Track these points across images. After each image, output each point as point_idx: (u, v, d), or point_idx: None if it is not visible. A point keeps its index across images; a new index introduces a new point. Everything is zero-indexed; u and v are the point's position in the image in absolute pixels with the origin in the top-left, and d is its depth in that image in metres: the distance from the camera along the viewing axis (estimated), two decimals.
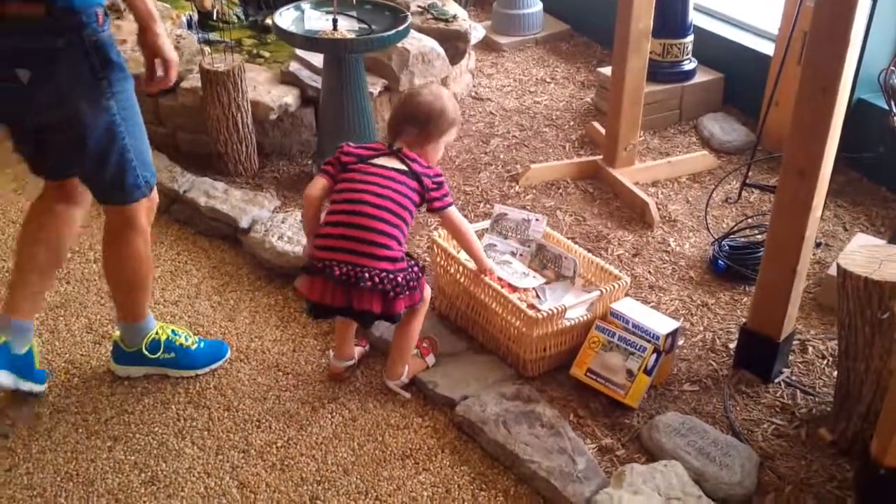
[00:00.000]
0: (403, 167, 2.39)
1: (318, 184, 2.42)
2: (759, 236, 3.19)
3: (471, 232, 2.56)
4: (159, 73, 2.22)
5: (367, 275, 2.27)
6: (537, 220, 2.85)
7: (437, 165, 2.52)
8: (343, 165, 2.41)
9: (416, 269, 2.39)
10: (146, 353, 2.56)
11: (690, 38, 4.02)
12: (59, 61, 2.05)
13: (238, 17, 4.43)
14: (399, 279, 2.31)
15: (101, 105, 2.15)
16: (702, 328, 2.80)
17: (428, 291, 2.52)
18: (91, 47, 2.07)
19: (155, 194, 2.42)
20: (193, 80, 3.57)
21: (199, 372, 2.61)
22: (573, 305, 2.55)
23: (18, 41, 2.03)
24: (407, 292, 2.34)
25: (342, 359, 2.60)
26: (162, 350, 2.57)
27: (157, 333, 2.57)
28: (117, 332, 2.61)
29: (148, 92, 2.33)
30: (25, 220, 2.47)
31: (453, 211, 2.49)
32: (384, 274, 2.29)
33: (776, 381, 2.57)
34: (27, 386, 2.47)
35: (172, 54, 2.21)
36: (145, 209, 2.39)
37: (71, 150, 2.22)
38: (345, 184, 2.38)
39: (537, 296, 2.67)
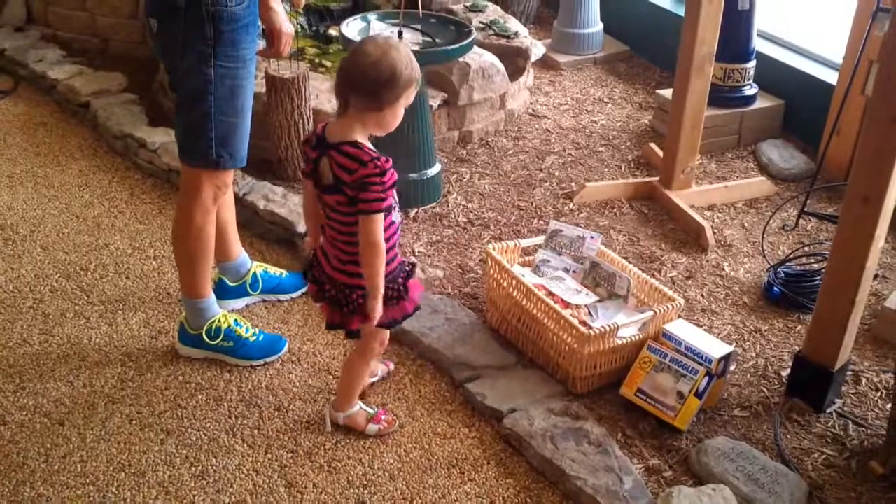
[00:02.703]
0: (330, 180, 2.07)
1: (308, 191, 2.23)
2: (815, 265, 3.16)
3: (381, 250, 2.09)
4: (269, 42, 2.46)
5: (327, 286, 2.20)
6: (592, 237, 2.85)
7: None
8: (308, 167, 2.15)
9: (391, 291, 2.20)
10: (206, 338, 2.65)
11: (753, 63, 4.00)
12: (178, 19, 2.29)
13: (302, 27, 4.50)
14: (354, 297, 2.16)
15: (199, 69, 2.34)
16: (754, 354, 2.77)
17: (384, 337, 2.37)
18: (208, 16, 2.28)
19: (223, 177, 2.54)
20: (258, 87, 3.62)
21: (255, 363, 2.67)
22: (625, 324, 2.54)
23: None
24: (361, 315, 2.17)
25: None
26: (221, 338, 2.65)
27: (219, 321, 2.66)
28: (184, 313, 2.70)
29: (262, 56, 2.54)
30: None
31: (372, 219, 2.06)
32: (341, 286, 2.17)
33: (828, 411, 2.54)
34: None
35: (285, 28, 2.42)
36: (211, 185, 2.51)
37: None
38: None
39: (589, 313, 2.67)
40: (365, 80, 2.01)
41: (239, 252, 2.90)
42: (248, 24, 2.35)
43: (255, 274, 2.91)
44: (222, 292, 2.86)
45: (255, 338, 2.69)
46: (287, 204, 3.31)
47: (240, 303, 2.92)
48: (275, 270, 2.99)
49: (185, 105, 2.44)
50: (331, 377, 2.64)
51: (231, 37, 2.32)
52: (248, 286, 2.90)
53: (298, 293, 2.99)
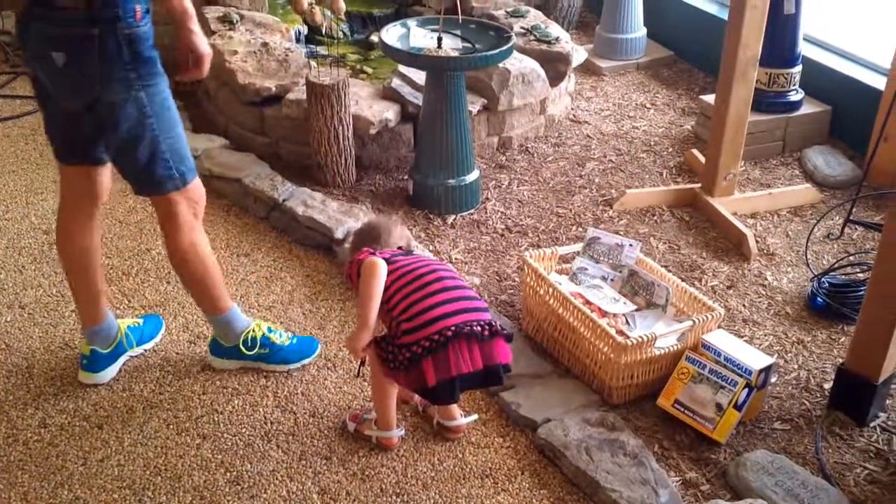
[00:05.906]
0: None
1: (382, 263, 2.26)
2: (860, 275, 3.10)
3: None
4: (193, 65, 2.30)
5: (494, 324, 2.24)
6: (631, 245, 2.82)
7: None
8: (387, 257, 2.31)
9: None
10: (243, 349, 2.65)
11: (798, 68, 3.93)
12: (92, 48, 2.15)
13: (344, 33, 4.53)
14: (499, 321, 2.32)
15: (129, 95, 2.23)
16: (796, 366, 2.72)
17: None
18: (124, 40, 2.17)
19: (194, 190, 2.44)
20: (299, 93, 3.66)
21: (291, 367, 2.69)
22: (664, 334, 2.51)
23: (58, 28, 2.17)
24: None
25: (395, 427, 2.45)
26: (258, 346, 2.66)
27: (252, 331, 2.66)
28: (212, 330, 2.70)
29: (179, 82, 2.42)
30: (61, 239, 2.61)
31: None
32: (494, 320, 2.27)
33: (871, 425, 2.48)
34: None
35: (206, 49, 2.29)
36: (185, 203, 2.42)
37: (100, 134, 2.32)
38: (404, 267, 2.29)
39: (627, 322, 2.64)
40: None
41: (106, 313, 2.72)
42: (153, 39, 2.27)
43: (126, 329, 2.76)
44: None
45: (289, 342, 2.70)
46: (326, 210, 3.32)
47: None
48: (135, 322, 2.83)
49: (126, 139, 2.28)
50: (365, 384, 2.64)
51: (148, 54, 2.23)
52: (126, 346, 2.75)
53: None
